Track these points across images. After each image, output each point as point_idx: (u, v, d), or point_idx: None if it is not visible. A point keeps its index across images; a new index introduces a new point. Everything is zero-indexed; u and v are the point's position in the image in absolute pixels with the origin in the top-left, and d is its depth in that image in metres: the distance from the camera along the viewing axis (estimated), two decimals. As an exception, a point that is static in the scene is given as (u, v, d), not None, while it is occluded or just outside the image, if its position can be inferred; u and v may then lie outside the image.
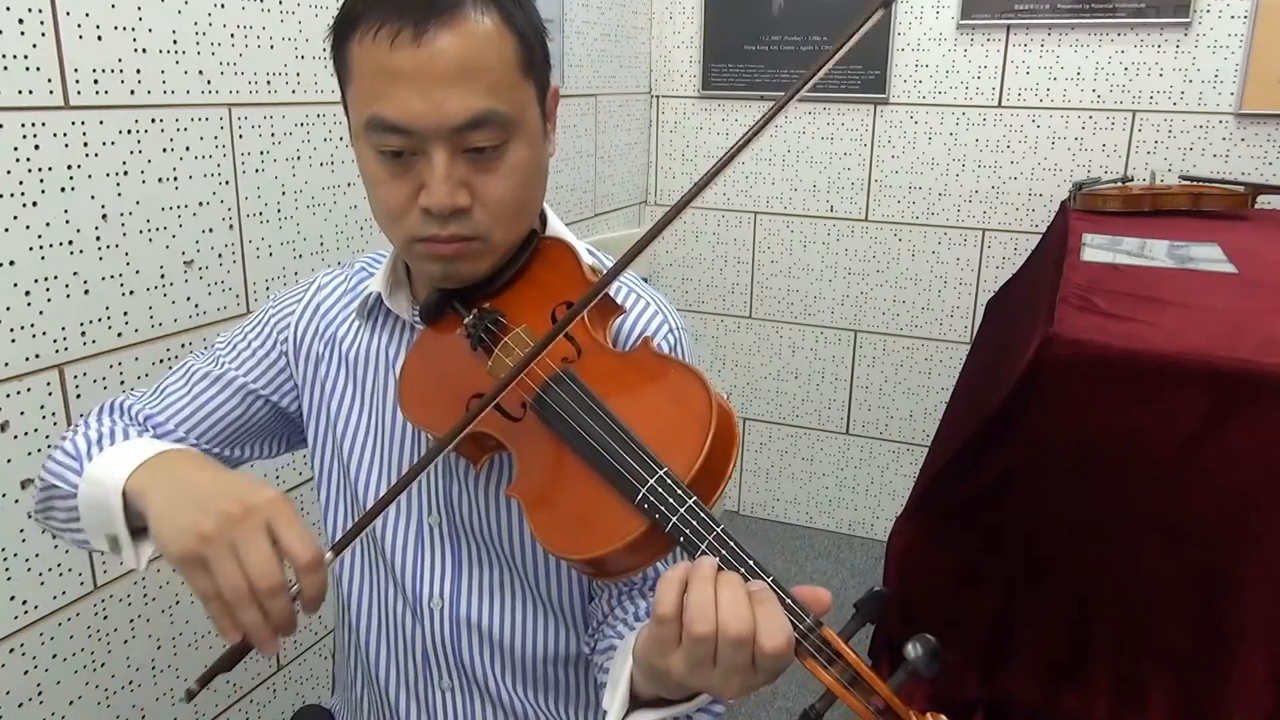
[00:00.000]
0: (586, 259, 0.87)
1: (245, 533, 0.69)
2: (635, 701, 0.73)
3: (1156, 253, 1.72)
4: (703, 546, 0.65)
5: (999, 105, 2.56)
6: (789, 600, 0.63)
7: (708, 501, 0.67)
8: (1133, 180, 2.37)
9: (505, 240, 0.85)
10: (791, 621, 0.62)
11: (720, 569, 0.64)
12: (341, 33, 0.81)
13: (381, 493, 0.93)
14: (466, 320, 0.84)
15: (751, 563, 0.64)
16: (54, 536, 0.94)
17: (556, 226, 0.94)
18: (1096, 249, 1.73)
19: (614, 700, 0.73)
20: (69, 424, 1.24)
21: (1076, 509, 1.21)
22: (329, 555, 0.71)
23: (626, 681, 0.73)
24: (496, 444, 0.79)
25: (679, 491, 0.66)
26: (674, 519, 0.65)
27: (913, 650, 0.61)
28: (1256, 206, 2.19)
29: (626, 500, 0.67)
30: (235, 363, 0.99)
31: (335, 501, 0.99)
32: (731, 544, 0.65)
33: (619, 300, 0.88)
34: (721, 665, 0.63)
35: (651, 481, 0.66)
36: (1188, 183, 2.23)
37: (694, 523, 0.65)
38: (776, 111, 0.70)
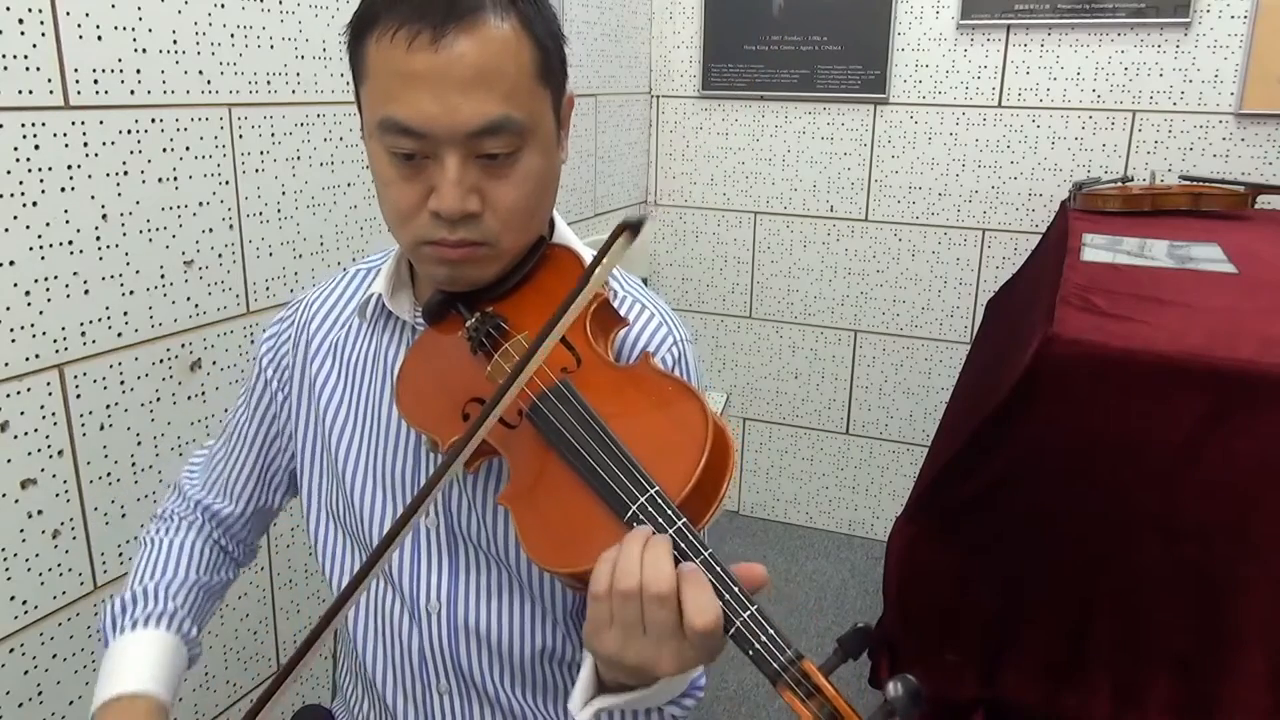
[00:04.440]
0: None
1: None
2: (601, 686, 0.73)
3: (1156, 253, 1.72)
4: (683, 564, 0.64)
5: (999, 105, 2.56)
6: (770, 630, 0.62)
7: (698, 523, 0.66)
8: (1133, 180, 2.37)
9: (514, 246, 0.84)
10: (771, 653, 0.61)
11: (652, 534, 0.65)
12: (358, 31, 0.80)
13: (375, 497, 0.94)
14: (469, 323, 0.84)
15: (737, 590, 0.64)
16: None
17: (565, 233, 0.93)
18: (1096, 249, 1.73)
19: (578, 683, 0.74)
20: (69, 424, 1.24)
21: (1076, 509, 1.21)
22: None
23: (591, 663, 0.73)
24: (490, 450, 0.79)
25: (669, 512, 0.65)
26: None
27: (894, 689, 0.60)
28: (1256, 206, 2.19)
29: (615, 517, 0.67)
30: (248, 418, 1.04)
31: (326, 516, 0.99)
32: (718, 569, 0.64)
33: (622, 312, 0.88)
34: (651, 629, 0.63)
35: (642, 500, 0.66)
36: (1188, 183, 2.23)
37: (682, 545, 0.64)
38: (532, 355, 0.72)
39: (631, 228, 0.69)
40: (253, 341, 1.51)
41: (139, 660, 0.91)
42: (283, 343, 1.01)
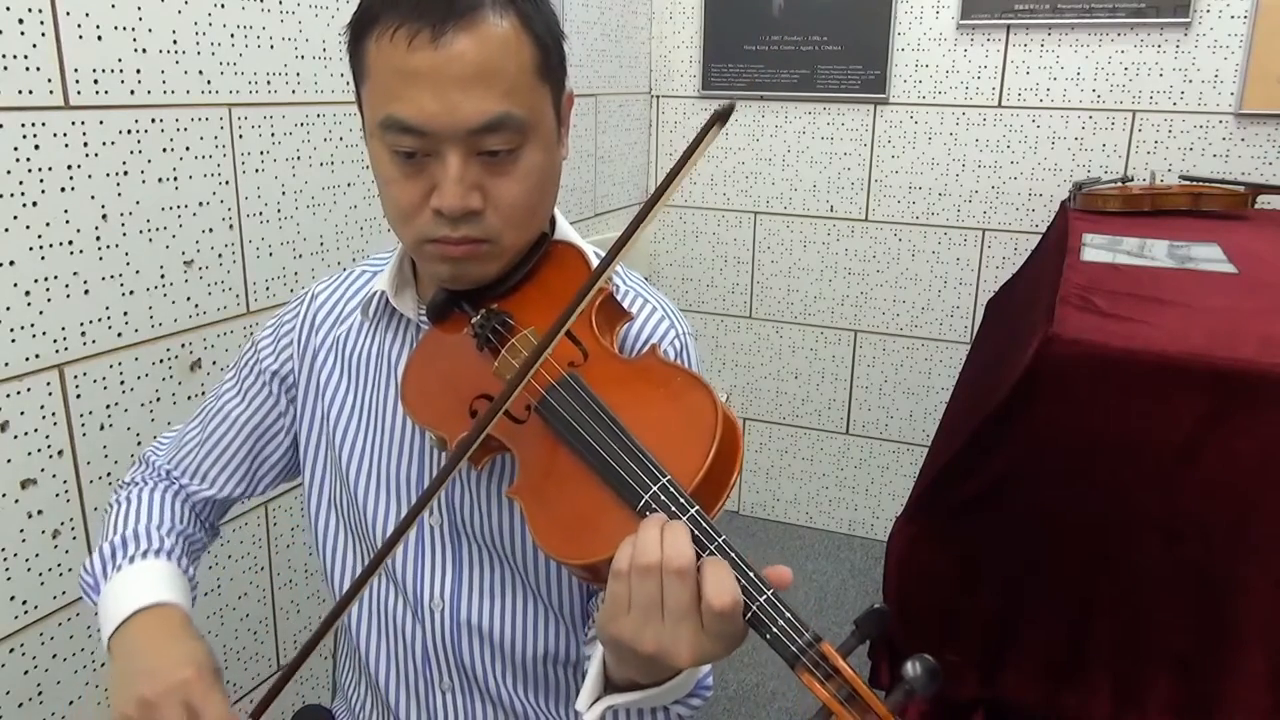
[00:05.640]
0: (595, 264, 0.87)
1: (162, 716, 0.77)
2: (610, 686, 0.73)
3: (1156, 253, 1.72)
4: (704, 556, 0.65)
5: (999, 105, 2.56)
6: (787, 614, 0.63)
7: (710, 511, 0.67)
8: (1133, 180, 2.37)
9: (516, 243, 0.85)
10: (789, 636, 0.62)
11: (667, 521, 0.65)
12: (359, 31, 0.80)
13: (379, 497, 0.94)
14: (474, 320, 0.84)
15: (753, 575, 0.64)
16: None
17: (566, 230, 0.93)
18: (1096, 249, 1.73)
19: (587, 682, 0.74)
20: (69, 424, 1.24)
21: (1076, 509, 1.21)
22: None
23: (599, 662, 0.73)
24: (499, 445, 0.79)
25: (681, 500, 0.66)
26: None
27: (911, 669, 0.61)
28: (1256, 206, 2.18)
29: (628, 507, 0.67)
30: (238, 400, 1.02)
31: (328, 509, 0.99)
32: (733, 555, 0.65)
33: (626, 306, 0.88)
34: (670, 612, 0.63)
35: (655, 489, 0.66)
36: (1188, 183, 2.23)
37: (695, 532, 0.65)
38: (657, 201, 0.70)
39: (722, 116, 0.67)
40: (253, 341, 1.51)
41: (152, 581, 0.89)
42: (285, 333, 1.00)
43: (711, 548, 0.64)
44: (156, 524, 0.96)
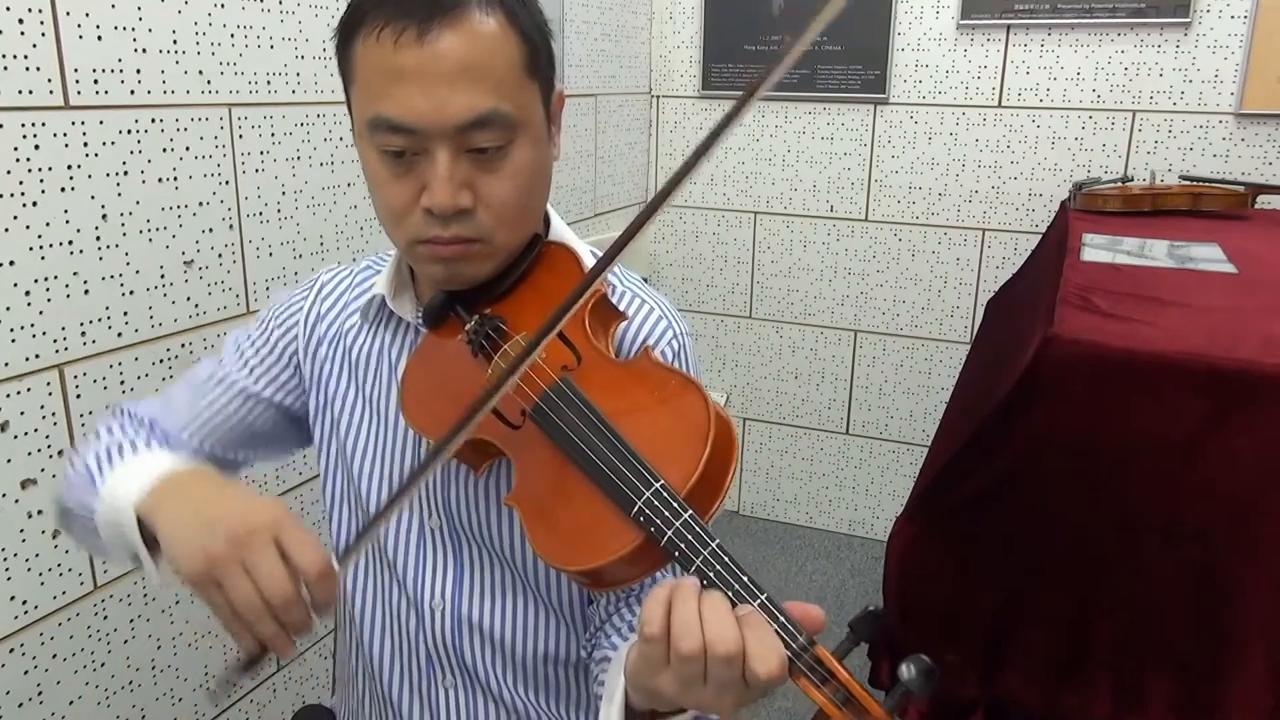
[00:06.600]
0: (590, 263, 0.87)
1: (254, 551, 0.71)
2: (630, 714, 0.73)
3: (1156, 253, 1.72)
4: (698, 561, 0.64)
5: (999, 105, 2.56)
6: (781, 619, 0.62)
7: (704, 515, 0.67)
8: (1133, 180, 2.37)
9: (508, 242, 0.84)
10: (784, 640, 0.62)
11: (703, 587, 0.64)
12: (346, 32, 0.81)
13: (384, 494, 0.94)
14: (468, 326, 0.84)
15: (746, 579, 0.64)
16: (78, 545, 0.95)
17: (560, 230, 0.93)
18: (1096, 249, 1.73)
19: (610, 714, 0.73)
20: (69, 424, 1.24)
21: (1076, 509, 1.21)
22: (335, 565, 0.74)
23: (621, 695, 0.73)
24: (497, 451, 0.79)
25: (675, 505, 0.66)
26: (669, 532, 0.65)
27: (907, 671, 0.61)
28: (1256, 206, 2.19)
29: (623, 513, 0.67)
30: (239, 367, 1.00)
31: (340, 501, 0.99)
32: (726, 559, 0.64)
33: (621, 307, 0.88)
34: (713, 682, 0.62)
35: (648, 494, 0.66)
36: (1188, 183, 2.23)
37: (689, 536, 0.65)
38: (745, 101, 0.68)
39: None
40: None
41: (179, 457, 0.84)
42: (293, 312, 1.00)
43: (705, 553, 0.64)
44: (155, 443, 0.91)
